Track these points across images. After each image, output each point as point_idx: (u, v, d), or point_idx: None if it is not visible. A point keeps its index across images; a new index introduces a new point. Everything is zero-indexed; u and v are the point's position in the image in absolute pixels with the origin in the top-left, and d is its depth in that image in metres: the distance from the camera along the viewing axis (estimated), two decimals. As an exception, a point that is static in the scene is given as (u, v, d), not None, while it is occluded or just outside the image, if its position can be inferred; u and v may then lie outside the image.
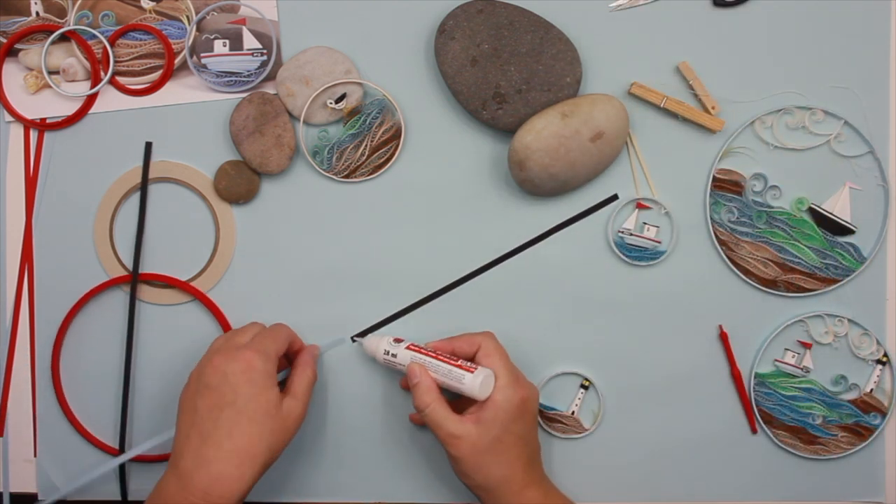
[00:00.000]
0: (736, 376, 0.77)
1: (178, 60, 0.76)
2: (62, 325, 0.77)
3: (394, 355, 0.72)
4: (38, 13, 0.76)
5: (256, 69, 0.76)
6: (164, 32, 0.76)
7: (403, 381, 0.76)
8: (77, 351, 0.78)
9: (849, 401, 0.78)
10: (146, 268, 0.77)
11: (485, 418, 0.68)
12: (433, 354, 0.71)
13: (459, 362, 0.70)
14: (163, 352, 0.77)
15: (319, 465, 0.78)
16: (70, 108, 0.77)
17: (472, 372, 0.68)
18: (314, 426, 0.78)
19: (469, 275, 0.77)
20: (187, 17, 0.76)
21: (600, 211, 0.77)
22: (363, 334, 0.77)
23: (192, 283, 0.77)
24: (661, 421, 0.78)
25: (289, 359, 0.75)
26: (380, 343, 0.73)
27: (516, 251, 0.77)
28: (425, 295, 0.77)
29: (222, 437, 0.65)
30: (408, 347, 0.72)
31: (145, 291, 0.77)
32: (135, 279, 0.77)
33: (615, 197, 0.76)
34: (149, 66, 0.77)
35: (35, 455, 0.78)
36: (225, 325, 0.77)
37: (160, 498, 0.65)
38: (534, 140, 0.72)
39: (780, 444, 0.78)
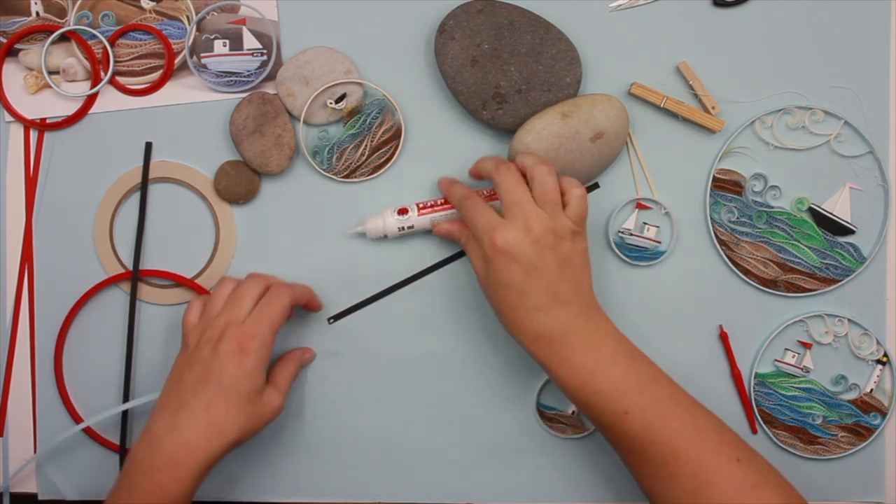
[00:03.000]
0: (736, 376, 0.77)
1: (178, 60, 0.76)
2: (63, 325, 0.77)
3: (410, 227, 0.74)
4: (38, 13, 0.77)
5: (256, 69, 0.76)
6: (164, 32, 0.76)
7: (438, 228, 0.75)
8: (78, 351, 0.78)
9: (849, 401, 0.78)
10: (146, 268, 0.77)
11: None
12: (449, 204, 0.73)
13: (484, 192, 0.73)
14: (163, 351, 0.77)
15: (319, 465, 0.78)
16: (70, 108, 0.77)
17: (497, 199, 0.71)
18: (314, 426, 0.78)
19: (442, 261, 0.77)
20: (187, 17, 0.76)
21: (600, 211, 0.77)
22: (338, 317, 0.77)
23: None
24: (661, 421, 0.78)
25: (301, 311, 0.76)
26: (386, 221, 0.74)
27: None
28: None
29: (199, 409, 0.66)
30: (421, 212, 0.73)
31: (146, 291, 0.77)
32: (135, 278, 0.77)
33: (596, 185, 0.76)
34: (149, 66, 0.77)
35: (35, 455, 0.78)
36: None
37: (131, 459, 0.67)
38: (534, 140, 0.72)
39: (780, 444, 0.78)
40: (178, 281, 0.77)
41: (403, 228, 0.74)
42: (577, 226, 0.68)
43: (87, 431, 0.78)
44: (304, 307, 0.76)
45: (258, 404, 0.68)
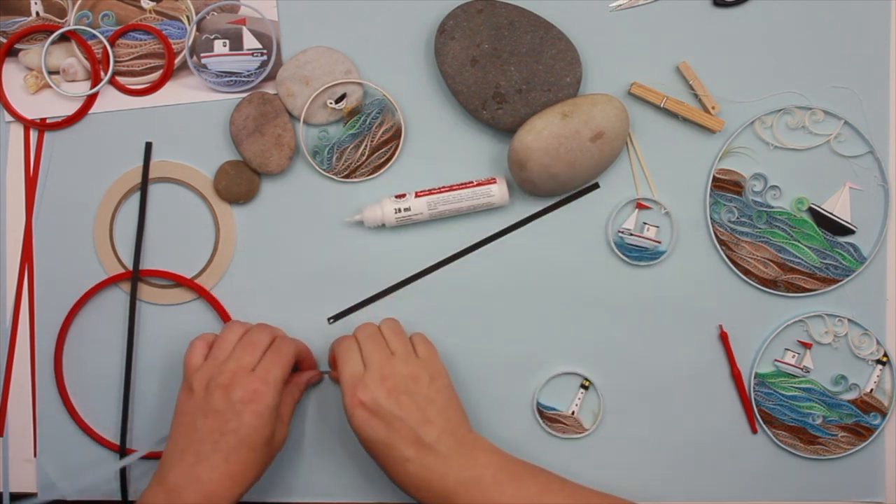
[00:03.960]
0: (736, 376, 0.77)
1: (178, 60, 0.76)
2: (63, 326, 0.77)
3: (407, 209, 0.74)
4: (38, 13, 0.77)
5: (256, 69, 0.76)
6: (164, 32, 0.76)
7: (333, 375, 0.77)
8: (78, 351, 0.78)
9: (849, 401, 0.78)
10: (146, 268, 0.77)
11: None
12: (448, 188, 0.74)
13: (474, 182, 0.74)
14: (163, 351, 0.77)
15: (319, 465, 0.78)
16: (70, 108, 0.77)
17: (495, 182, 0.74)
18: (315, 427, 0.78)
19: (443, 261, 0.77)
20: (187, 17, 0.76)
21: (601, 211, 0.77)
22: (338, 317, 0.77)
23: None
24: (661, 421, 0.78)
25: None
26: (384, 207, 0.74)
27: (491, 239, 0.77)
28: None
29: (219, 461, 0.66)
30: (417, 196, 0.74)
31: (146, 291, 0.77)
32: (135, 278, 0.77)
33: (596, 185, 0.76)
34: (149, 66, 0.77)
35: (35, 455, 0.78)
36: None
37: None
38: (534, 140, 0.72)
39: (780, 444, 0.78)
40: (177, 281, 0.77)
41: (400, 210, 0.74)
42: (431, 366, 0.70)
43: (87, 431, 0.78)
44: (299, 364, 0.75)
45: (273, 444, 0.69)
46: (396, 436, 0.66)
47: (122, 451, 0.77)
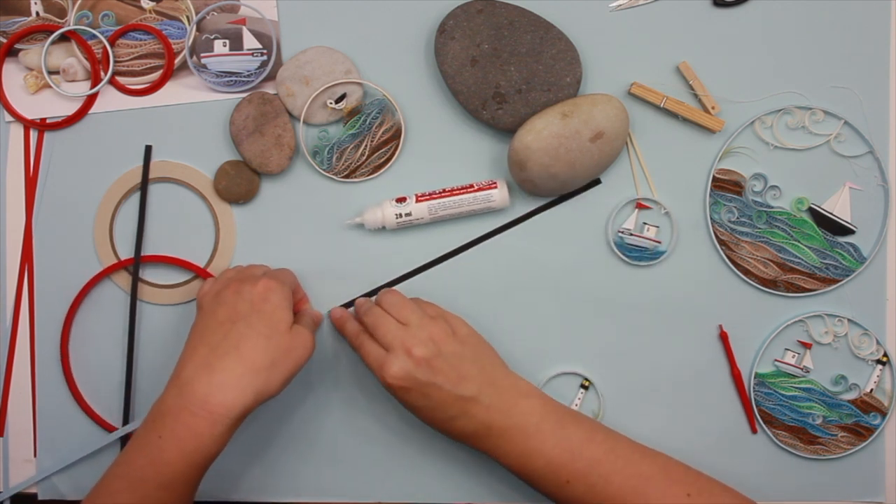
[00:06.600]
0: (736, 376, 0.77)
1: (178, 60, 0.76)
2: (67, 319, 0.77)
3: (408, 214, 0.74)
4: (38, 13, 0.77)
5: (256, 69, 0.76)
6: (164, 32, 0.76)
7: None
8: (79, 352, 0.78)
9: (849, 401, 0.78)
10: (146, 267, 0.77)
11: None
12: (449, 192, 0.74)
13: (475, 186, 0.74)
14: (164, 351, 0.77)
15: (319, 466, 0.78)
16: (70, 108, 0.77)
17: (496, 187, 0.74)
18: (314, 426, 0.78)
19: (441, 257, 0.77)
20: (187, 17, 0.76)
21: (601, 211, 0.77)
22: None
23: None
24: (662, 421, 0.78)
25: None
26: (385, 211, 0.74)
27: (495, 232, 0.77)
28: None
29: (229, 347, 0.65)
30: (419, 200, 0.74)
31: (146, 291, 0.77)
32: (135, 279, 0.77)
33: (598, 181, 0.76)
34: (149, 66, 0.77)
35: (35, 455, 0.78)
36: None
37: (158, 407, 0.65)
38: (534, 140, 0.72)
39: (780, 444, 0.78)
40: (180, 265, 0.77)
41: (401, 216, 0.74)
42: (448, 320, 0.71)
43: (93, 418, 0.78)
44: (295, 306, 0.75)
45: (288, 335, 0.67)
46: (437, 401, 0.67)
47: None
